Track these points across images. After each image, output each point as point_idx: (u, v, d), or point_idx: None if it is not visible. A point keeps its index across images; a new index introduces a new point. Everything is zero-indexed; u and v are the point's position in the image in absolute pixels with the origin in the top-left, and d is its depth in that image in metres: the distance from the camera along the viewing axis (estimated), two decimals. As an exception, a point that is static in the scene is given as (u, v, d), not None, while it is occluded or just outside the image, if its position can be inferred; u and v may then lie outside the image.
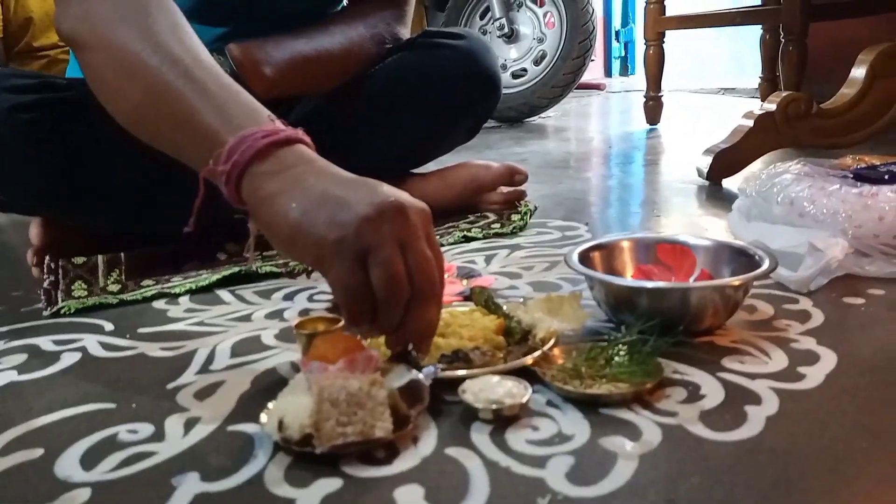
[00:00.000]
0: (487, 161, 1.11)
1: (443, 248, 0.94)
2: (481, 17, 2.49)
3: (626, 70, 3.75)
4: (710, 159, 1.29)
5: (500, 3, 2.38)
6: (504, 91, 2.40)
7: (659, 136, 1.99)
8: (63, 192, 0.80)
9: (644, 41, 2.11)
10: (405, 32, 1.07)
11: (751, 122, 1.28)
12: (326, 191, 0.49)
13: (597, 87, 3.10)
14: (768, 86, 2.28)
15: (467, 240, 0.98)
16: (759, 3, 2.26)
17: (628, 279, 0.66)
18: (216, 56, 0.87)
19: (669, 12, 2.04)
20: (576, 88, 2.46)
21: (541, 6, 2.40)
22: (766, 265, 0.62)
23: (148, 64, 0.57)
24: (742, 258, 0.66)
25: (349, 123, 1.03)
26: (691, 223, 1.03)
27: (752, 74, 2.63)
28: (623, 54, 3.73)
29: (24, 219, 0.98)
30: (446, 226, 1.04)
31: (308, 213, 0.48)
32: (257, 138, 0.51)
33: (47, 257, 0.85)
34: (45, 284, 0.81)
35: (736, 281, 0.61)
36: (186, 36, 0.61)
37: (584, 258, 0.67)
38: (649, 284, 0.61)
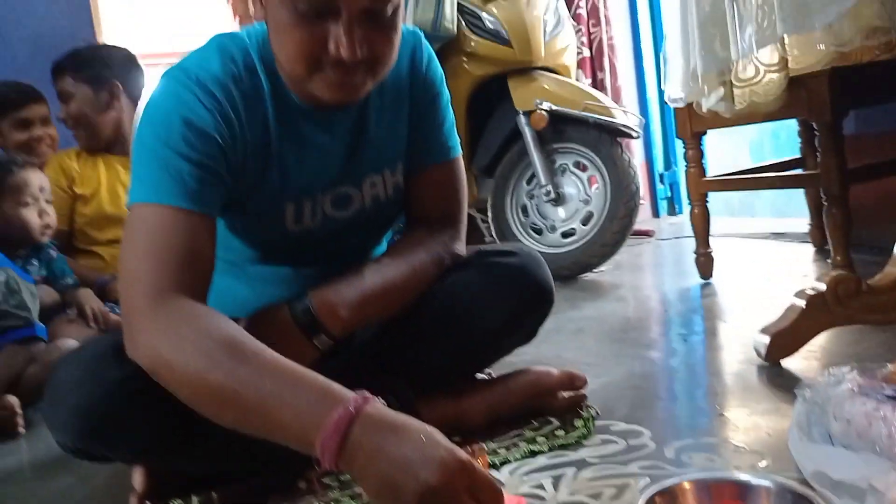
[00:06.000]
0: (548, 367, 1.16)
1: (509, 465, 0.99)
2: (528, 183, 2.62)
3: (673, 209, 3.82)
4: (766, 340, 1.31)
5: (545, 170, 2.50)
6: (556, 250, 2.53)
7: (714, 294, 2.02)
8: (168, 446, 0.88)
9: (688, 202, 2.19)
10: (462, 248, 1.16)
11: (803, 303, 1.31)
12: (389, 473, 0.68)
13: (646, 233, 3.17)
14: (818, 232, 2.31)
15: (532, 454, 1.02)
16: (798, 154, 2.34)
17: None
18: (295, 303, 0.98)
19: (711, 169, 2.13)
20: (625, 236, 2.52)
21: (583, 171, 2.53)
22: (828, 519, 0.64)
23: (238, 393, 0.76)
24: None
25: (410, 342, 1.09)
26: (754, 425, 1.05)
27: (799, 211, 2.65)
28: (669, 195, 3.82)
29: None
30: (511, 434, 1.09)
31: (385, 485, 0.68)
32: (330, 439, 0.70)
33: (147, 503, 0.92)
34: (147, 533, 0.88)
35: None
36: (248, 349, 0.79)
37: (650, 507, 0.70)
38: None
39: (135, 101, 2.11)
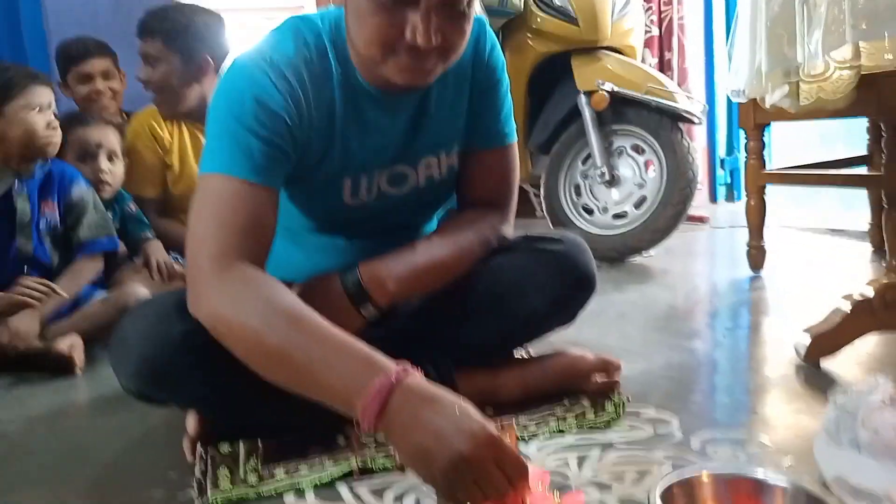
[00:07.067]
0: (584, 351, 1.20)
1: (537, 440, 1.04)
2: (583, 163, 2.61)
3: (732, 196, 3.75)
4: (808, 340, 1.31)
5: (602, 151, 2.49)
6: (605, 232, 2.53)
7: (763, 288, 2.00)
8: (222, 396, 0.95)
9: (745, 193, 2.17)
10: (509, 231, 1.20)
11: (849, 307, 1.30)
12: (423, 441, 0.73)
13: (701, 219, 3.13)
14: (877, 232, 2.26)
15: (561, 432, 1.06)
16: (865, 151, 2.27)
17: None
18: (346, 274, 1.03)
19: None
20: (679, 220, 2.50)
21: (641, 154, 2.50)
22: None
23: (290, 355, 0.82)
24: (818, 505, 0.71)
25: (453, 319, 1.14)
26: (784, 425, 1.06)
27: (867, 205, 2.56)
28: (729, 181, 3.75)
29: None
30: (542, 410, 1.13)
31: (419, 452, 0.73)
32: (370, 404, 0.75)
33: (199, 445, 1.00)
34: (197, 474, 0.96)
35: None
36: (302, 317, 0.84)
37: (666, 496, 0.74)
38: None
39: (219, 69, 1.97)
